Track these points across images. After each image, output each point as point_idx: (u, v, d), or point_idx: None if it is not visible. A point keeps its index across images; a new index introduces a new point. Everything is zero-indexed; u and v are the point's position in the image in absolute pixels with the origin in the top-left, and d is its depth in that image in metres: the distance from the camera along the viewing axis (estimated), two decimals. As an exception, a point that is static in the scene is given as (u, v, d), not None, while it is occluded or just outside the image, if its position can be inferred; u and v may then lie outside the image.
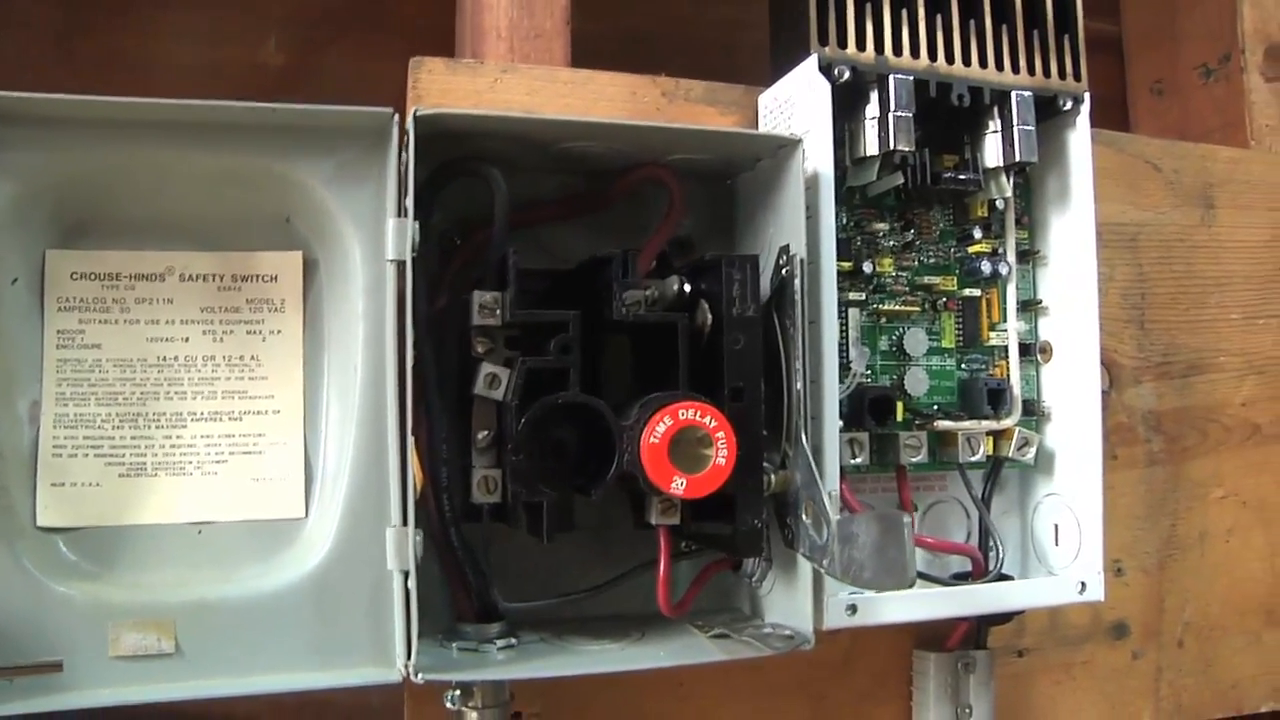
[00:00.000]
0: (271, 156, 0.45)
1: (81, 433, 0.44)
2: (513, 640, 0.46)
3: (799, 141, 0.46)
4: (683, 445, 0.43)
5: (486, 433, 0.45)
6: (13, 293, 0.44)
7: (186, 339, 0.46)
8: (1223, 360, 0.65)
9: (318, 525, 0.45)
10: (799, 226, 0.46)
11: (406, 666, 0.42)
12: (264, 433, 0.46)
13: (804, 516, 0.45)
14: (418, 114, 0.42)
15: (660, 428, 0.42)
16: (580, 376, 0.44)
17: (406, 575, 0.42)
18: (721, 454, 0.43)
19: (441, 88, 0.51)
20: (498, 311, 0.44)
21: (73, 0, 0.60)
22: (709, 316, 0.45)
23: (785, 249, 0.47)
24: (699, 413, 0.43)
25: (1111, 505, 0.61)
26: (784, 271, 0.46)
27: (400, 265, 0.43)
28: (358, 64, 0.64)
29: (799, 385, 0.45)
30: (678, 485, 0.42)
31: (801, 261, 0.46)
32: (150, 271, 0.46)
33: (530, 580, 0.49)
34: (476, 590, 0.47)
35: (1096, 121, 0.55)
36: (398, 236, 0.43)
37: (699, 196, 0.52)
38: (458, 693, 0.45)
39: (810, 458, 0.44)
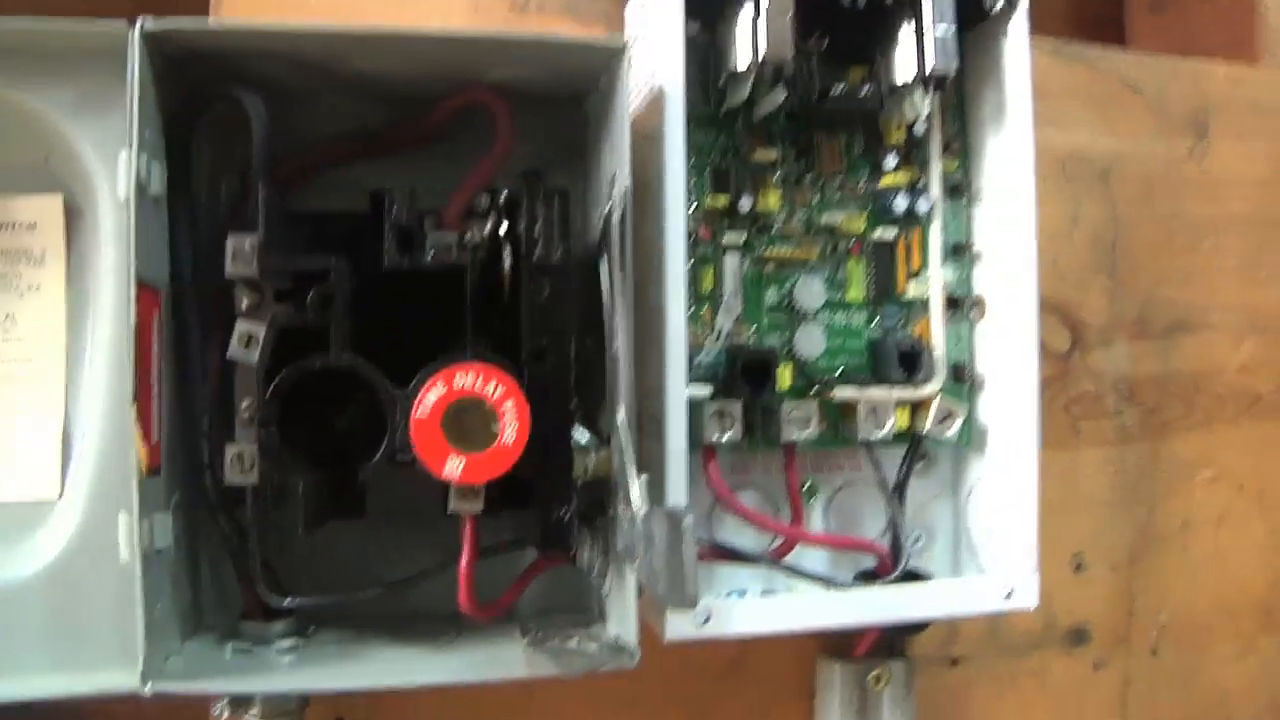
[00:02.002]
0: (11, 84, 0.38)
1: None
2: (298, 641, 0.40)
3: (622, 49, 0.38)
4: (473, 417, 0.36)
5: (250, 400, 0.38)
6: None
7: (-65, 296, 0.40)
8: (1215, 318, 0.54)
9: (69, 507, 0.39)
10: (624, 150, 0.38)
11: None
12: (20, 403, 0.40)
13: (621, 507, 0.37)
14: (145, 29, 0.36)
15: (431, 397, 0.35)
16: (351, 335, 0.37)
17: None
18: (510, 429, 0.36)
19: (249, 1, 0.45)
20: (254, 261, 0.37)
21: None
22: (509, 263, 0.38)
23: (612, 180, 0.39)
24: (480, 378, 0.35)
25: (1073, 489, 0.52)
26: (608, 207, 0.38)
27: (129, 205, 0.36)
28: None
29: (617, 344, 0.37)
30: (454, 467, 0.35)
31: (626, 191, 0.38)
32: (-106, 220, 0.40)
33: (342, 568, 0.43)
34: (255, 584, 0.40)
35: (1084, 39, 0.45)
36: (126, 172, 0.36)
37: (548, 124, 0.45)
38: (225, 702, 0.39)
39: (625, 435, 0.37)
